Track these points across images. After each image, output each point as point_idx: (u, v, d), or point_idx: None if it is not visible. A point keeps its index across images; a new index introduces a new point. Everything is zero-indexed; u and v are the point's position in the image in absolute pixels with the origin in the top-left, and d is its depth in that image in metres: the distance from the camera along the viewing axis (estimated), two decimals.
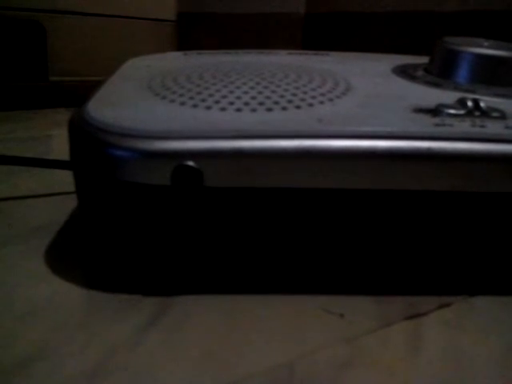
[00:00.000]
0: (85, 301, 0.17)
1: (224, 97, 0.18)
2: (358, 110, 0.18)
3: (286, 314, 0.17)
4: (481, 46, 0.21)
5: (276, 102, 0.18)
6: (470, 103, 0.18)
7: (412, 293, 0.18)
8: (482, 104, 0.18)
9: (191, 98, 0.18)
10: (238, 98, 0.18)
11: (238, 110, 0.17)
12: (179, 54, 0.28)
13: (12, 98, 0.43)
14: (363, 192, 0.17)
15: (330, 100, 0.19)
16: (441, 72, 0.22)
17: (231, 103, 0.18)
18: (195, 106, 0.18)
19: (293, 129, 0.16)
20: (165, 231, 0.17)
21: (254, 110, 0.17)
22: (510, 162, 0.16)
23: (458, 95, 0.19)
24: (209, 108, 0.18)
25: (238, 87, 0.19)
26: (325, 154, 0.16)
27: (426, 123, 0.17)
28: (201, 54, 0.27)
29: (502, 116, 0.18)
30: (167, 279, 0.18)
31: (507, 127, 0.17)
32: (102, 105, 0.18)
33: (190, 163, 0.16)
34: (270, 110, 0.17)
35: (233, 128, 0.16)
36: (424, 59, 0.24)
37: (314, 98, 0.18)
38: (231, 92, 0.18)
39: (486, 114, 0.18)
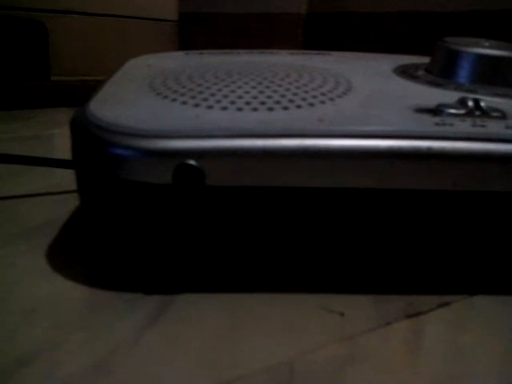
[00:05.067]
0: (86, 299, 0.17)
1: (225, 96, 0.18)
2: (359, 110, 0.18)
3: (286, 312, 0.17)
4: (482, 46, 0.21)
5: (277, 102, 0.18)
6: (470, 103, 0.18)
7: (412, 292, 0.18)
8: (482, 104, 0.18)
9: (193, 98, 0.18)
10: (240, 97, 0.18)
11: (240, 109, 0.17)
12: (180, 53, 0.28)
13: (14, 97, 0.43)
14: (363, 191, 0.17)
15: (331, 100, 0.19)
16: (442, 72, 0.22)
17: (232, 102, 0.18)
18: (197, 105, 0.18)
19: (294, 128, 0.16)
20: (166, 230, 0.17)
21: (255, 110, 0.17)
22: (510, 162, 0.16)
23: (458, 95, 0.19)
24: (210, 107, 0.18)
25: (239, 87, 0.19)
26: (326, 153, 0.16)
27: (427, 123, 0.17)
28: (202, 53, 0.27)
29: (503, 116, 0.18)
30: (169, 278, 0.18)
31: (507, 127, 0.17)
32: (104, 104, 0.18)
33: (192, 162, 0.16)
34: (271, 109, 0.18)
35: (234, 127, 0.16)
36: (425, 59, 0.24)
37: (315, 97, 0.18)
38: (232, 91, 0.18)
39: (486, 113, 0.18)
